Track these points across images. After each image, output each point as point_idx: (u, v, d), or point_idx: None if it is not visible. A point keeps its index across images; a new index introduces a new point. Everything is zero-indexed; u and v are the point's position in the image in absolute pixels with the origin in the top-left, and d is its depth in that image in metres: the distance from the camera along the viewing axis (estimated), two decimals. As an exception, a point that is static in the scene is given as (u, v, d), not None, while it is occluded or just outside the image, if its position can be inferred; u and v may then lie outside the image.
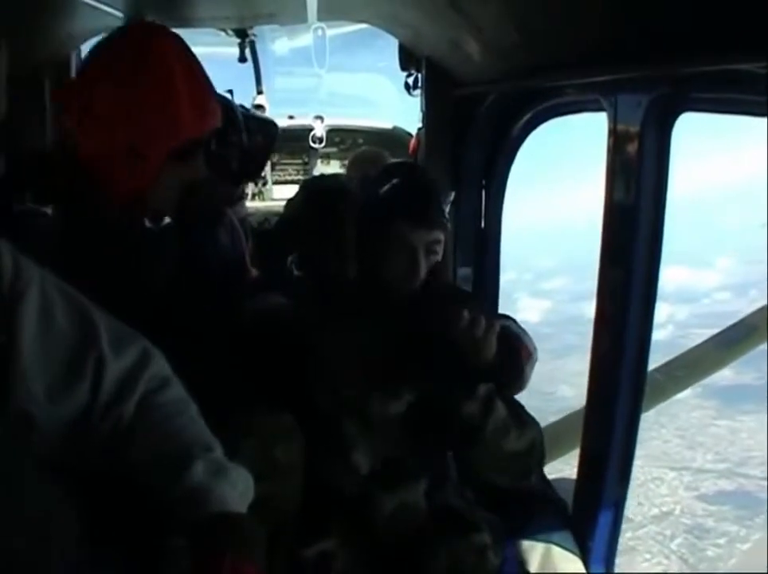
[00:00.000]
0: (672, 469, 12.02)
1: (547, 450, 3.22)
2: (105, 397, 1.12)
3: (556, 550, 1.72)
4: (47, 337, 1.08)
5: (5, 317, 1.04)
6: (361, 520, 1.61)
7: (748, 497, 13.38)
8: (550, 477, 2.15)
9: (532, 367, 1.80)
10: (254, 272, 2.05)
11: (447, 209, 1.74)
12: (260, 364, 1.66)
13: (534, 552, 1.71)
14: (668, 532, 10.55)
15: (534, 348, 1.81)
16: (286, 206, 2.29)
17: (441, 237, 1.72)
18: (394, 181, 1.73)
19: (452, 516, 1.66)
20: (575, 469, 2.02)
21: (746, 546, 12.58)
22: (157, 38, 1.46)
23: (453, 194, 1.71)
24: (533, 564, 1.68)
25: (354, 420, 1.65)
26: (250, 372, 1.65)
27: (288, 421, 1.56)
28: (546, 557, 1.70)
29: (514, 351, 1.71)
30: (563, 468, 3.15)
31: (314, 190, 2.21)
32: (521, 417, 1.75)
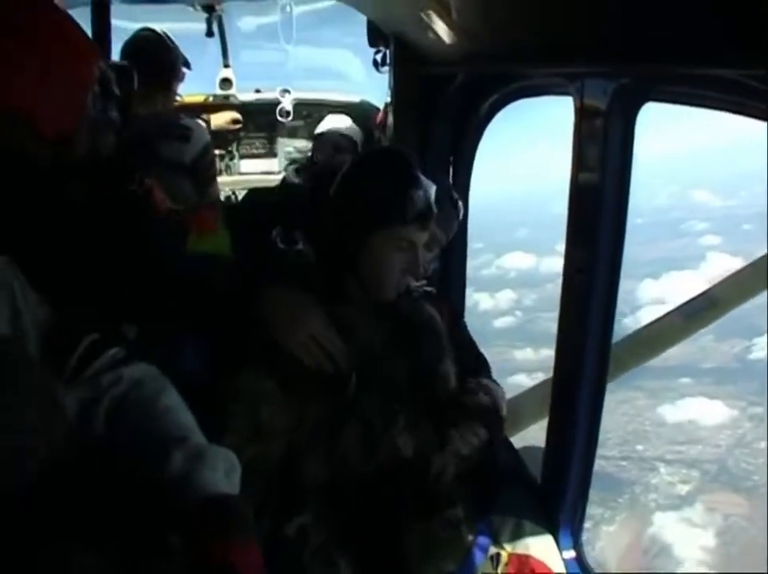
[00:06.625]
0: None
1: (518, 419, 3.29)
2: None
3: (527, 524, 1.78)
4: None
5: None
6: (335, 494, 1.61)
7: (609, 478, 13.83)
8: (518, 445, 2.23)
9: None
10: None
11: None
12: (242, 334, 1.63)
13: (506, 526, 1.76)
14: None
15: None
16: None
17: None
18: (385, 180, 1.66)
19: (427, 490, 1.66)
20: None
21: (612, 528, 13.13)
22: None
23: (435, 187, 1.71)
24: (504, 538, 1.73)
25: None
26: (233, 339, 1.62)
27: (271, 386, 1.54)
28: (517, 531, 1.76)
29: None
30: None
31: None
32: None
